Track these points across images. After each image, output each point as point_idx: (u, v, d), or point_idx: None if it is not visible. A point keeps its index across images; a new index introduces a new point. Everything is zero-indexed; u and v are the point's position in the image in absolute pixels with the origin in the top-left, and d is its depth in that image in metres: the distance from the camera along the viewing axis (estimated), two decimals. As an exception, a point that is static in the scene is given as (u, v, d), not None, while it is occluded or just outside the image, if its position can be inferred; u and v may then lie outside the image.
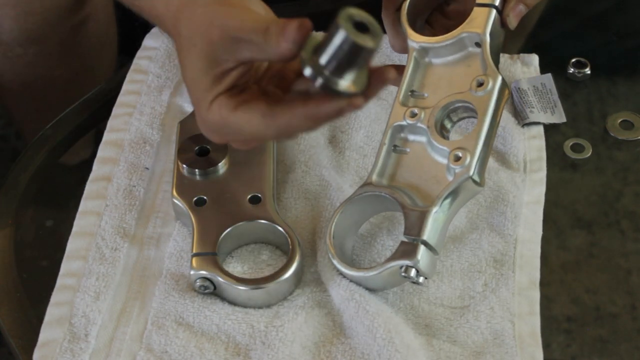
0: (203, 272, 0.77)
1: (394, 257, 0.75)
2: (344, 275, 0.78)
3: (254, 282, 0.78)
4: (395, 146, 0.80)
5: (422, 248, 0.74)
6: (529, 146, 0.89)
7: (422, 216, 0.75)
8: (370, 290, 0.78)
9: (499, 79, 0.77)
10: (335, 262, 0.77)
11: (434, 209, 0.75)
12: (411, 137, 0.79)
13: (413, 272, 0.74)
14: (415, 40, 0.81)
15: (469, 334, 0.77)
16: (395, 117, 0.79)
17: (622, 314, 0.80)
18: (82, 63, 1.17)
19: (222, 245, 0.79)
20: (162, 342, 0.76)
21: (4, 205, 0.89)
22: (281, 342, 0.75)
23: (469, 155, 0.75)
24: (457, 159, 0.76)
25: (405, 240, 0.75)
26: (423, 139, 0.79)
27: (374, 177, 0.79)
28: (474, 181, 0.75)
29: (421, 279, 0.75)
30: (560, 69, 0.96)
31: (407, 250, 0.74)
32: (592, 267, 0.83)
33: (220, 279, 0.77)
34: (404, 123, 0.79)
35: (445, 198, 0.75)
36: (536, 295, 0.79)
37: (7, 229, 0.87)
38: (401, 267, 0.74)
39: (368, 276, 0.77)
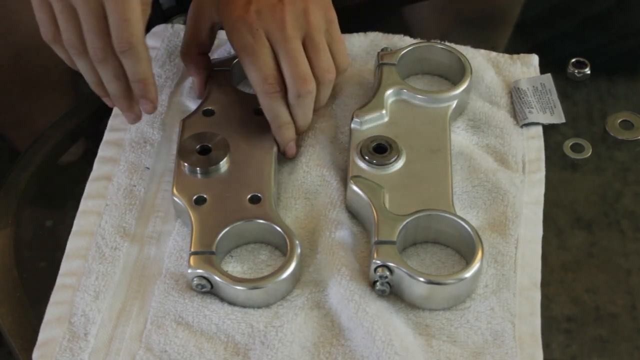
0: (200, 270, 0.77)
1: None
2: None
3: (250, 282, 0.78)
4: None
5: None
6: (527, 146, 0.89)
7: None
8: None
9: None
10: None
11: None
12: None
13: None
14: None
15: (469, 334, 0.76)
16: None
17: (622, 314, 0.80)
18: (20, 42, 1.15)
19: (221, 245, 0.79)
20: (162, 341, 0.76)
21: (4, 205, 0.89)
22: (280, 343, 0.75)
23: None
24: None
25: None
26: None
27: None
28: None
29: None
30: (560, 69, 0.96)
31: None
32: (592, 267, 0.83)
33: (216, 278, 0.77)
34: None
35: None
36: (537, 296, 0.79)
37: (7, 229, 0.87)
38: None
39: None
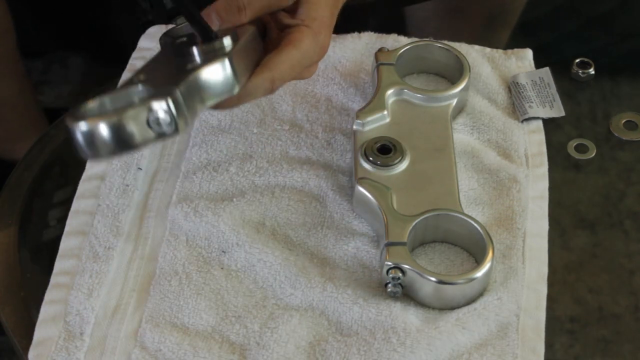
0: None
1: None
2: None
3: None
4: None
5: None
6: (529, 141, 0.89)
7: None
8: None
9: None
10: None
11: None
12: None
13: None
14: None
15: (477, 323, 0.75)
16: None
17: (625, 315, 0.79)
18: None
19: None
20: (156, 340, 0.76)
21: (8, 204, 0.89)
22: (276, 343, 0.75)
23: None
24: None
25: None
26: None
27: None
28: None
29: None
30: (564, 69, 0.96)
31: None
32: (596, 267, 0.83)
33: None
34: None
35: None
36: (544, 289, 0.79)
37: (11, 228, 0.87)
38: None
39: None
